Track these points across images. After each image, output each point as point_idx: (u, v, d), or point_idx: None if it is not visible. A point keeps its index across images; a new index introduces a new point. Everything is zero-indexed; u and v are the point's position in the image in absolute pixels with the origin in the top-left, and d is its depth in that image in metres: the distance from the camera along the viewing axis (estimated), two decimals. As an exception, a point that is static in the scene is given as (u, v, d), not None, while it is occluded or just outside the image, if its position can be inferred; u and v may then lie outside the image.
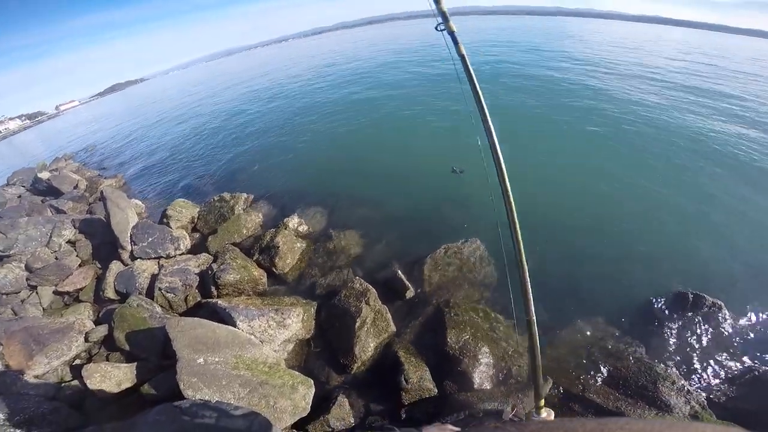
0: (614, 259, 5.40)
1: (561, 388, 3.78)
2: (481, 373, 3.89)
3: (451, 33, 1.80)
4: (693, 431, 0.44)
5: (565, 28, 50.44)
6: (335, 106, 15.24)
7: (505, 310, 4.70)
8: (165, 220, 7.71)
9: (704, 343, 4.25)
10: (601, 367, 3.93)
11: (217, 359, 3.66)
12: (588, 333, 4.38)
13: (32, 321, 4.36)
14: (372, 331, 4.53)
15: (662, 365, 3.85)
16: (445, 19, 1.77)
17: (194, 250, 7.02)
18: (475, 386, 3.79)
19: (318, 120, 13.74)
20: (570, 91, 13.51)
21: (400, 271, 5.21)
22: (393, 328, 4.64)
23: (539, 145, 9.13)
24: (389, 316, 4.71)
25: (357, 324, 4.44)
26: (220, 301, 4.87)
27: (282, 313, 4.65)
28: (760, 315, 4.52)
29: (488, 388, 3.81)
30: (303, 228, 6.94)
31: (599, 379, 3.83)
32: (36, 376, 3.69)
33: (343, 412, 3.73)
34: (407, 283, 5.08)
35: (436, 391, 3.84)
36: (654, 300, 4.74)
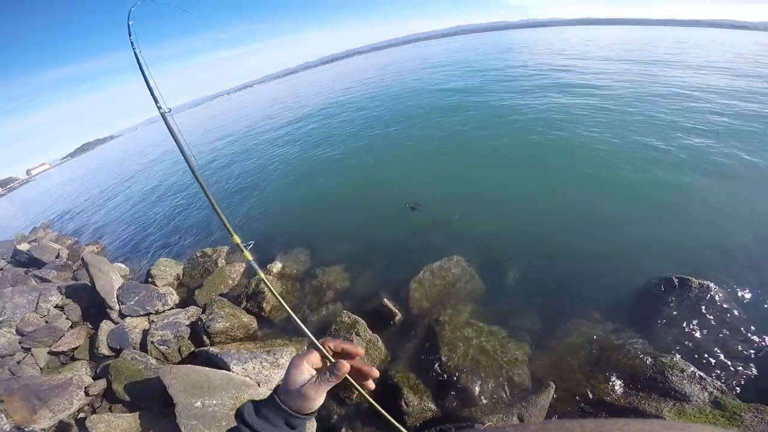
0: (597, 255, 5.87)
1: (566, 391, 3.96)
2: (481, 387, 4.14)
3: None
4: (692, 431, 0.43)
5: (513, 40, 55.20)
6: (300, 148, 16.29)
7: (496, 321, 5.09)
8: (150, 279, 8.09)
9: (703, 325, 4.41)
10: (605, 364, 4.09)
11: (214, 402, 3.99)
12: (585, 331, 4.62)
13: (30, 379, 4.64)
14: (366, 361, 4.90)
15: (667, 354, 3.98)
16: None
17: (182, 304, 7.38)
18: (477, 400, 4.04)
19: (287, 165, 14.61)
20: (518, 105, 14.77)
21: (386, 299, 5.63)
22: (387, 354, 5.00)
23: (516, 155, 10.07)
24: (381, 343, 5.07)
25: (350, 356, 4.82)
26: (212, 348, 5.21)
27: (274, 354, 5.01)
28: (754, 290, 4.77)
29: (490, 400, 4.03)
30: (288, 270, 7.39)
31: (605, 377, 3.95)
32: (43, 430, 3.97)
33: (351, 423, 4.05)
34: (394, 309, 5.49)
35: (439, 409, 4.11)
36: (643, 289, 5.08)
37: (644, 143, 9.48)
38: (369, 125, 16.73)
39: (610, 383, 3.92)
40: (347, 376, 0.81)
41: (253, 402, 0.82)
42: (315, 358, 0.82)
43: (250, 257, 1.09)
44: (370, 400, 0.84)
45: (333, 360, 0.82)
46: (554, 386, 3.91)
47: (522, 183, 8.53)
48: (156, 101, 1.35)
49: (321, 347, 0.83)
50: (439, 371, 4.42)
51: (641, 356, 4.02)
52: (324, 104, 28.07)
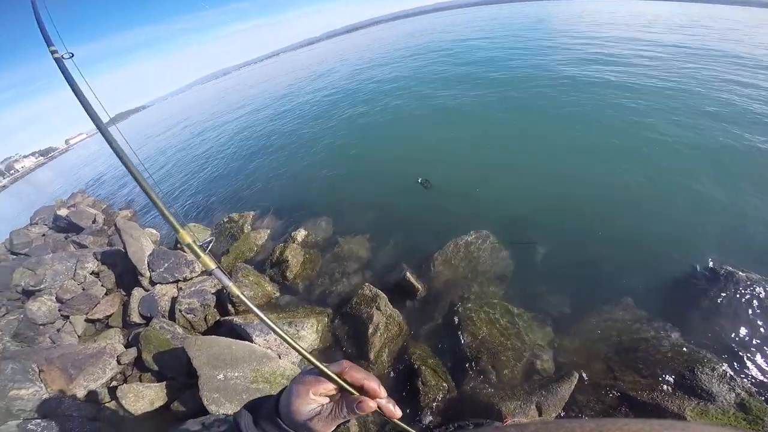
0: (637, 239, 5.37)
1: (589, 381, 3.76)
2: (501, 371, 3.98)
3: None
4: (692, 431, 0.43)
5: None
6: (329, 118, 15.89)
7: (522, 303, 4.83)
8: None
9: (744, 323, 4.05)
10: (633, 356, 3.86)
11: (236, 374, 4.04)
12: (616, 319, 4.33)
13: (68, 348, 4.94)
14: (385, 336, 4.79)
15: (700, 350, 3.71)
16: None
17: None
18: (496, 384, 3.90)
19: (314, 132, 14.39)
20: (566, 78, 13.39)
21: (408, 273, 5.44)
22: (406, 330, 4.89)
23: (552, 132, 9.23)
24: (401, 319, 4.96)
25: (369, 330, 4.70)
26: (236, 319, 5.29)
27: (296, 326, 5.01)
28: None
29: (509, 385, 3.87)
30: (311, 238, 7.34)
31: (631, 369, 3.75)
32: (78, 399, 4.23)
33: (362, 418, 3.95)
34: (417, 284, 5.31)
35: (456, 392, 3.99)
36: (684, 279, 4.65)
37: (692, 123, 8.37)
38: (394, 95, 15.99)
39: (636, 376, 3.70)
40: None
41: (251, 410, 0.73)
42: (324, 387, 0.67)
43: (211, 264, 0.72)
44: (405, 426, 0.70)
45: (355, 392, 0.66)
46: (578, 376, 3.70)
47: (555, 160, 7.83)
48: (49, 44, 0.98)
49: (338, 379, 0.65)
50: (460, 351, 4.29)
51: (672, 350, 3.76)
52: (345, 73, 27.07)
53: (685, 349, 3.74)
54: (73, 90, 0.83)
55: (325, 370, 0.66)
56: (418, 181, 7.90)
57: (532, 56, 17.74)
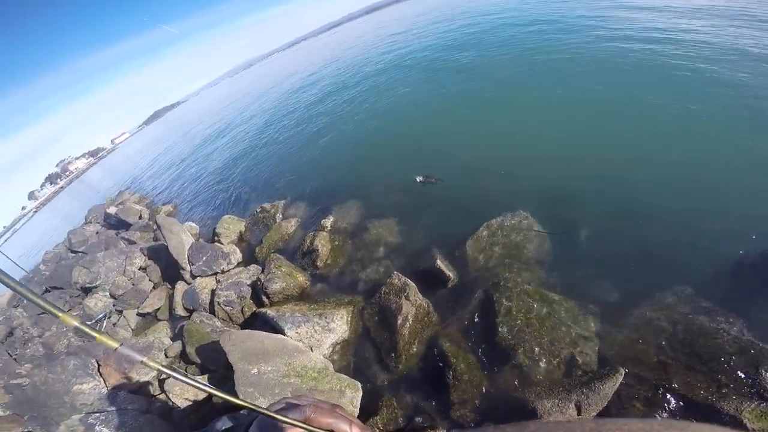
0: (697, 219, 4.77)
1: (636, 377, 3.48)
2: (539, 365, 3.80)
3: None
4: (692, 431, 0.44)
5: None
6: (351, 100, 15.82)
7: (564, 290, 4.53)
8: (216, 237, 8.74)
9: None
10: (688, 350, 3.53)
11: (269, 368, 4.18)
12: (669, 309, 3.93)
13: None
14: (415, 327, 4.73)
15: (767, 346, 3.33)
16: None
17: (245, 261, 7.85)
18: (533, 380, 3.73)
19: (336, 119, 14.37)
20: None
21: (439, 260, 5.29)
22: (437, 320, 4.81)
23: (601, 106, 8.38)
24: (432, 309, 4.88)
25: (399, 321, 4.66)
26: (269, 311, 5.46)
27: (326, 318, 5.08)
28: None
29: (548, 381, 3.67)
30: (340, 224, 7.41)
31: (685, 364, 3.43)
32: (131, 392, 4.62)
33: (390, 412, 3.96)
34: (448, 272, 5.17)
35: (489, 386, 3.87)
36: (751, 266, 4.07)
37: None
38: (419, 75, 15.48)
39: (690, 374, 3.37)
40: None
41: None
42: None
43: (113, 343, 0.48)
44: None
45: None
46: (623, 372, 3.41)
47: (600, 128, 7.16)
48: None
49: (303, 425, 0.62)
50: (494, 343, 4.14)
51: (735, 346, 3.37)
52: (366, 56, 26.54)
53: (749, 345, 3.34)
54: None
55: (287, 420, 0.62)
56: (417, 180, 7.51)
57: (575, 29, 16.08)
